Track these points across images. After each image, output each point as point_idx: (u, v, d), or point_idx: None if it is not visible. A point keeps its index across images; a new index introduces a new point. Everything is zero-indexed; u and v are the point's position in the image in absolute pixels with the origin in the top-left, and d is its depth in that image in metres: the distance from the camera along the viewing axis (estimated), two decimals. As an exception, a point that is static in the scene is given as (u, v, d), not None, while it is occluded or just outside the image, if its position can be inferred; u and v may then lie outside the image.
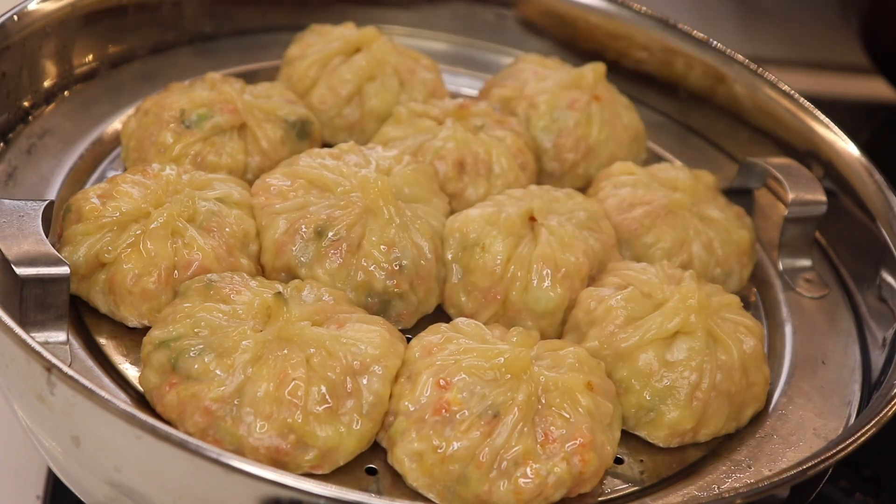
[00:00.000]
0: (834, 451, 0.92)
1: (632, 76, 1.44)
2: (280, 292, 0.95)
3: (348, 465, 0.94)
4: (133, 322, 1.01)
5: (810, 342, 1.15)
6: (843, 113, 1.44)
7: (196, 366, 0.92)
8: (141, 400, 0.96)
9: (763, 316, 1.18)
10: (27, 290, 0.95)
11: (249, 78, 1.27)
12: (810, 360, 1.13)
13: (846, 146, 1.28)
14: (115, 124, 1.23)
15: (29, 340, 0.84)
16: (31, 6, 1.18)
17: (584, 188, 1.24)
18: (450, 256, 1.09)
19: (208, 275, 1.00)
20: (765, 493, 0.88)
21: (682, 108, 1.43)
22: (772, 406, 1.07)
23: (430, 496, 0.92)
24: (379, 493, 0.93)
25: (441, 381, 0.93)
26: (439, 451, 0.91)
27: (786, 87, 1.35)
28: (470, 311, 1.07)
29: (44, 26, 1.19)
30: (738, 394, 1.02)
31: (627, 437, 1.01)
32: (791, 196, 1.22)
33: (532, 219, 1.09)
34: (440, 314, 1.09)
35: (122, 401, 0.84)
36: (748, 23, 2.08)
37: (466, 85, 1.43)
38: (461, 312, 1.08)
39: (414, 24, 1.47)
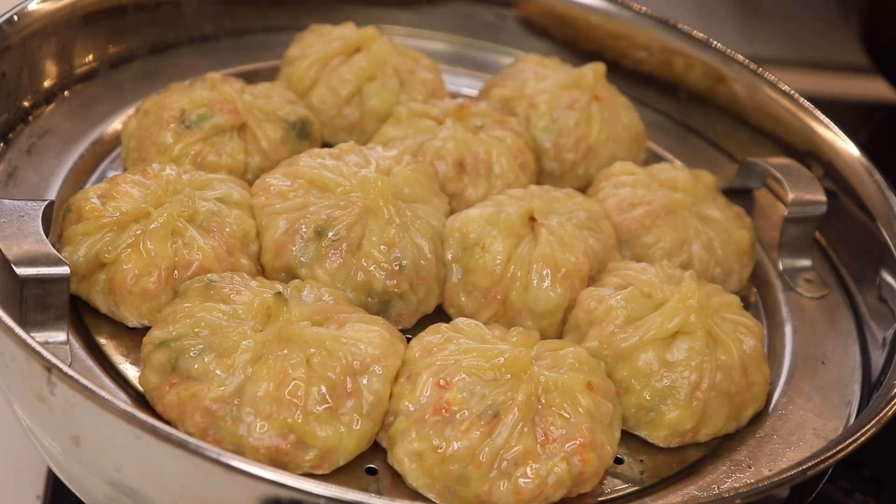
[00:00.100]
0: (834, 451, 0.92)
1: (632, 76, 1.44)
2: (280, 292, 0.95)
3: (348, 465, 0.94)
4: (133, 322, 1.01)
5: (810, 342, 1.15)
6: (843, 113, 1.44)
7: (196, 366, 0.92)
8: (141, 400, 0.96)
9: (763, 316, 1.18)
10: (27, 290, 0.95)
11: (249, 78, 1.27)
12: (810, 360, 1.13)
13: (846, 146, 1.28)
14: (115, 124, 1.23)
15: (29, 340, 0.84)
16: (31, 6, 1.18)
17: (584, 188, 1.24)
18: (450, 256, 1.09)
19: (208, 275, 1.00)
20: (765, 493, 0.88)
21: (682, 108, 1.43)
22: (772, 406, 1.07)
23: (430, 496, 0.92)
24: (379, 493, 0.93)
25: (441, 381, 0.93)
26: (439, 451, 0.91)
27: (786, 87, 1.35)
28: (470, 311, 1.07)
29: (44, 26, 1.19)
30: (738, 394, 1.02)
31: (627, 437, 1.01)
32: (791, 196, 1.22)
33: (532, 219, 1.09)
34: (440, 314, 1.09)
35: (122, 401, 0.84)
36: (748, 23, 2.08)
37: (466, 85, 1.43)
38: (461, 312, 1.08)
39: (414, 24, 1.47)
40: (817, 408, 1.07)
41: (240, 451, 0.90)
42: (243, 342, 0.92)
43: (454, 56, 1.47)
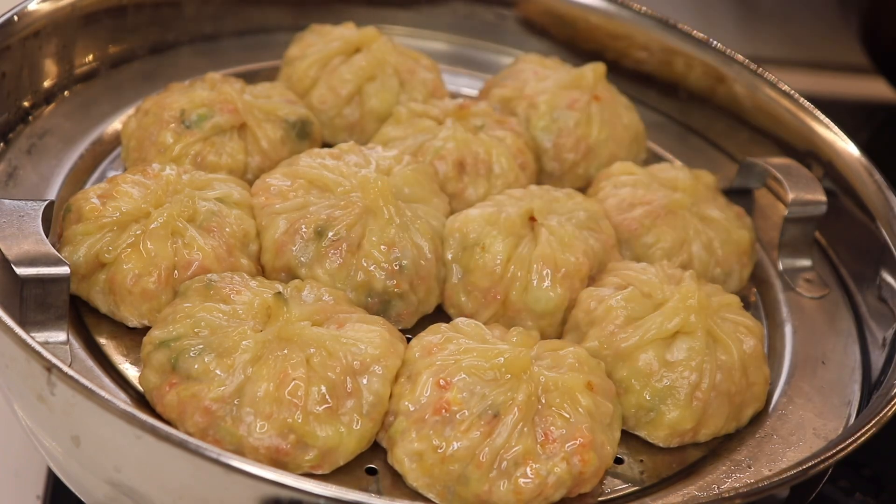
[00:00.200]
0: (834, 451, 0.92)
1: (632, 76, 1.44)
2: (280, 292, 0.95)
3: (348, 465, 0.94)
4: (133, 322, 1.01)
5: (810, 342, 1.15)
6: (843, 113, 1.44)
7: (196, 366, 0.92)
8: (141, 400, 0.96)
9: (763, 316, 1.18)
10: (27, 290, 0.95)
11: (249, 78, 1.27)
12: (810, 360, 1.13)
13: (846, 146, 1.28)
14: (115, 124, 1.23)
15: (29, 340, 0.84)
16: (31, 6, 1.18)
17: (584, 188, 1.24)
18: (450, 256, 1.09)
19: (208, 275, 1.00)
20: (765, 493, 0.88)
21: (682, 108, 1.43)
22: (772, 406, 1.07)
23: (430, 496, 0.92)
24: (379, 493, 0.93)
25: (441, 381, 0.93)
26: (439, 451, 0.91)
27: (786, 87, 1.35)
28: (470, 311, 1.07)
29: (44, 26, 1.19)
30: (738, 394, 1.02)
31: (627, 437, 1.01)
32: (791, 196, 1.22)
33: (532, 219, 1.09)
34: (440, 314, 1.09)
35: (122, 401, 0.84)
36: (748, 23, 2.08)
37: (466, 85, 1.43)
38: (461, 312, 1.08)
39: (414, 24, 1.47)
40: (817, 408, 1.07)
41: (240, 451, 0.90)
42: (243, 342, 0.92)
43: (454, 56, 1.47)
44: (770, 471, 0.99)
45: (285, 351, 0.92)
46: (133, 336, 1.01)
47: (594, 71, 1.28)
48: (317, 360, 0.92)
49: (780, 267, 1.23)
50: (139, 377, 0.96)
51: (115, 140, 1.21)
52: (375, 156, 1.13)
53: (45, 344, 0.94)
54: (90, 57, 1.27)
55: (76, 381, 0.82)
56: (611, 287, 1.06)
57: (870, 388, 1.10)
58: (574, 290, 1.07)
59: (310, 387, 0.91)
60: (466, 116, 1.22)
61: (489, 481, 0.90)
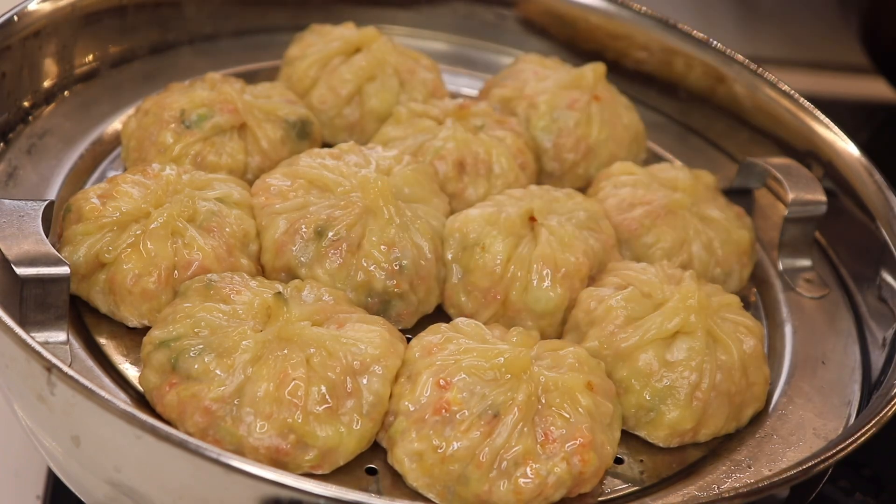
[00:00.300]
0: (834, 451, 0.92)
1: (632, 76, 1.44)
2: (280, 292, 0.95)
3: (348, 465, 0.94)
4: (133, 322, 1.01)
5: (810, 342, 1.15)
6: (843, 113, 1.44)
7: (196, 366, 0.92)
8: (141, 400, 0.96)
9: (763, 316, 1.18)
10: (27, 290, 0.95)
11: (249, 78, 1.27)
12: (810, 360, 1.13)
13: (846, 146, 1.28)
14: (115, 124, 1.23)
15: (29, 340, 0.84)
16: (31, 6, 1.18)
17: (584, 188, 1.24)
18: (450, 256, 1.09)
19: (208, 275, 1.00)
20: (765, 493, 0.88)
21: (682, 108, 1.43)
22: (772, 406, 1.07)
23: (430, 496, 0.92)
24: (379, 493, 0.93)
25: (441, 381, 0.93)
26: (439, 451, 0.91)
27: (786, 87, 1.35)
28: (470, 311, 1.07)
29: (44, 26, 1.19)
30: (738, 394, 1.02)
31: (627, 437, 1.01)
32: (791, 196, 1.22)
33: (532, 219, 1.09)
34: (440, 314, 1.09)
35: (122, 401, 0.84)
36: (748, 23, 2.08)
37: (466, 85, 1.43)
38: (461, 312, 1.08)
39: (414, 24, 1.47)
40: (817, 408, 1.07)
41: (240, 451, 0.90)
42: (243, 342, 0.92)
43: (454, 56, 1.47)
44: (770, 471, 0.99)
45: (285, 351, 0.92)
46: (133, 336, 1.01)
47: (594, 71, 1.28)
48: (317, 360, 0.92)
49: (780, 267, 1.23)
50: (139, 377, 0.96)
51: (115, 140, 1.21)
52: (375, 156, 1.13)
53: (45, 344, 0.94)
54: (90, 57, 1.27)
55: (76, 381, 0.82)
56: (611, 287, 1.06)
57: (870, 388, 1.10)
58: (574, 290, 1.07)
59: (310, 387, 0.91)
60: (466, 116, 1.22)
61: (489, 481, 0.90)
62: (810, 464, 0.91)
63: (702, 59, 1.40)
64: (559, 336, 1.07)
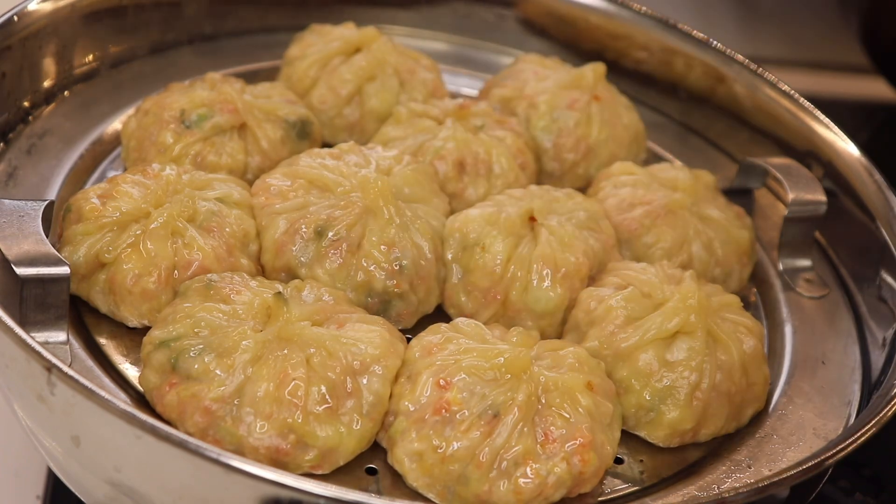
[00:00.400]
0: (834, 451, 0.92)
1: (632, 76, 1.44)
2: (280, 292, 0.95)
3: (348, 465, 0.94)
4: (133, 322, 1.01)
5: (810, 342, 1.15)
6: (843, 113, 1.44)
7: (196, 366, 0.92)
8: (141, 400, 0.96)
9: (763, 316, 1.18)
10: (27, 290, 0.95)
11: (249, 78, 1.27)
12: (810, 360, 1.13)
13: (846, 146, 1.28)
14: (115, 124, 1.23)
15: (29, 340, 0.84)
16: (31, 6, 1.18)
17: (584, 188, 1.24)
18: (450, 256, 1.09)
19: (208, 275, 1.00)
20: (765, 493, 0.88)
21: (682, 108, 1.43)
22: (772, 406, 1.07)
23: (430, 496, 0.92)
24: (379, 493, 0.93)
25: (441, 381, 0.93)
26: (439, 451, 0.91)
27: (786, 87, 1.35)
28: (470, 311, 1.07)
29: (44, 26, 1.19)
30: (738, 394, 1.02)
31: (627, 437, 1.01)
32: (791, 196, 1.22)
33: (532, 219, 1.09)
34: (440, 314, 1.09)
35: (122, 401, 0.84)
36: (748, 23, 2.08)
37: (466, 85, 1.43)
38: (461, 312, 1.08)
39: (414, 24, 1.47)
40: (817, 408, 1.07)
41: (240, 451, 0.90)
42: (243, 342, 0.92)
43: (454, 56, 1.47)
44: (770, 471, 0.99)
45: (285, 351, 0.92)
46: (133, 336, 1.01)
47: (594, 71, 1.28)
48: (317, 360, 0.92)
49: (780, 267, 1.23)
50: (139, 377, 0.96)
51: (115, 140, 1.21)
52: (375, 156, 1.13)
53: (45, 344, 0.94)
54: (90, 57, 1.27)
55: (76, 381, 0.82)
56: (611, 287, 1.06)
57: (870, 388, 1.10)
58: (574, 290, 1.07)
59: (310, 387, 0.91)
60: (466, 116, 1.22)
61: (489, 481, 0.90)
62: (810, 464, 0.91)
63: (702, 59, 1.40)
64: (559, 336, 1.07)
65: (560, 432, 0.92)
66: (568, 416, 0.93)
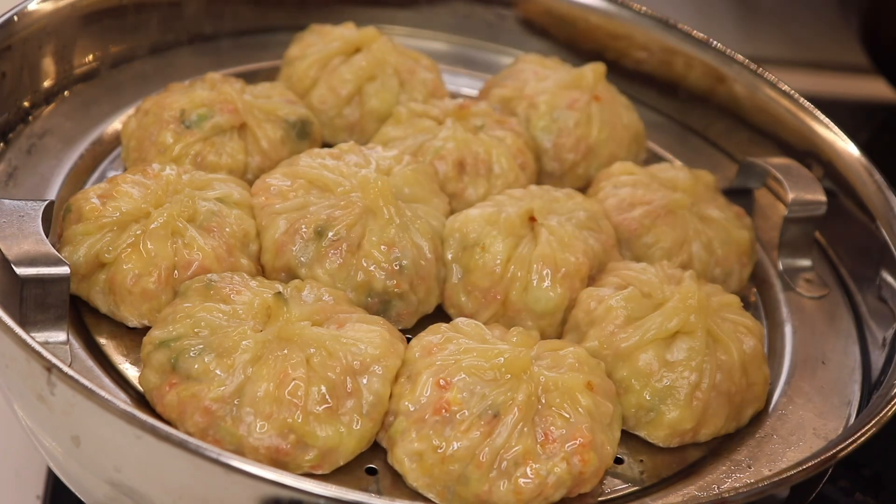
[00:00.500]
0: (834, 451, 0.92)
1: (632, 76, 1.44)
2: (280, 292, 0.95)
3: (348, 465, 0.94)
4: (133, 322, 1.01)
5: (810, 342, 1.15)
6: (843, 113, 1.44)
7: (196, 366, 0.92)
8: (141, 400, 0.96)
9: (763, 316, 1.18)
10: (27, 290, 0.95)
11: (249, 78, 1.27)
12: (810, 360, 1.13)
13: (846, 146, 1.28)
14: (115, 124, 1.23)
15: (29, 340, 0.84)
16: (31, 6, 1.18)
17: (584, 188, 1.24)
18: (450, 256, 1.09)
19: (208, 275, 1.00)
20: (765, 493, 0.88)
21: (682, 108, 1.43)
22: (772, 406, 1.07)
23: (430, 496, 0.92)
24: (379, 493, 0.93)
25: (441, 381, 0.93)
26: (439, 451, 0.91)
27: (786, 87, 1.35)
28: (470, 311, 1.07)
29: (44, 26, 1.19)
30: (738, 394, 1.02)
31: (627, 437, 1.01)
32: (791, 196, 1.22)
33: (532, 219, 1.09)
34: (440, 314, 1.09)
35: (122, 401, 0.84)
36: (748, 23, 2.08)
37: (466, 85, 1.43)
38: (461, 312, 1.08)
39: (414, 24, 1.47)
40: (817, 408, 1.07)
41: (240, 451, 0.90)
42: (243, 342, 0.92)
43: (454, 56, 1.47)
44: (770, 471, 0.99)
45: (285, 351, 0.92)
46: (133, 336, 1.01)
47: (594, 71, 1.28)
48: (317, 360, 0.92)
49: (780, 267, 1.23)
50: (139, 377, 0.96)
51: (115, 140, 1.21)
52: (375, 156, 1.13)
53: (45, 344, 0.94)
54: (90, 57, 1.27)
55: (76, 381, 0.82)
56: (611, 287, 1.06)
57: (870, 388, 1.10)
58: (574, 290, 1.07)
59: (310, 387, 0.91)
60: (466, 116, 1.22)
61: (489, 481, 0.90)
62: (810, 464, 0.91)
63: (702, 59, 1.40)
64: (559, 336, 1.07)
65: (560, 432, 0.92)
66: (568, 416, 0.93)
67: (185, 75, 1.28)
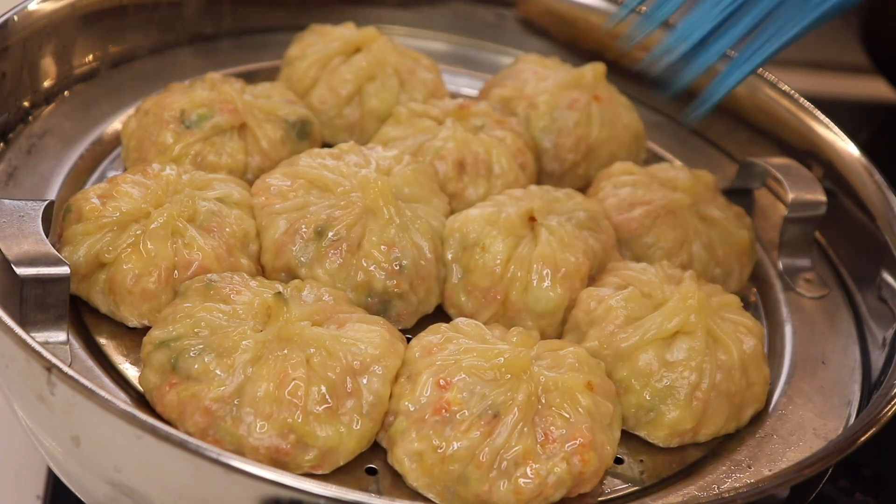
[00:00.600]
0: (834, 451, 0.92)
1: (632, 76, 1.43)
2: (280, 292, 0.95)
3: (348, 465, 0.94)
4: (133, 322, 1.01)
5: (810, 342, 1.15)
6: (843, 113, 1.44)
7: (196, 366, 0.92)
8: (141, 400, 0.96)
9: (763, 316, 1.18)
10: (27, 290, 0.95)
11: (249, 78, 1.27)
12: (810, 360, 1.13)
13: (846, 146, 1.28)
14: (115, 124, 1.23)
15: (29, 340, 0.84)
16: (31, 6, 1.18)
17: (584, 188, 1.24)
18: (450, 256, 1.09)
19: (208, 275, 1.00)
20: (765, 493, 0.88)
21: (682, 108, 1.43)
22: (772, 406, 1.07)
23: (430, 496, 0.92)
24: (379, 493, 0.93)
25: (441, 381, 0.93)
26: (439, 451, 0.91)
27: (786, 87, 1.35)
28: (470, 311, 1.07)
29: (44, 26, 1.19)
30: (738, 394, 1.02)
31: (627, 437, 1.01)
32: (791, 196, 1.22)
33: (532, 219, 1.09)
34: (440, 314, 1.09)
35: (122, 401, 0.84)
36: (748, 23, 2.08)
37: (466, 85, 1.43)
38: (461, 312, 1.08)
39: (414, 24, 1.47)
40: (817, 408, 1.07)
41: (240, 451, 0.90)
42: (243, 342, 0.92)
43: (454, 56, 1.47)
44: (770, 471, 0.99)
45: (285, 351, 0.92)
46: (133, 336, 1.01)
47: (594, 71, 1.28)
48: (317, 360, 0.92)
49: (780, 267, 1.23)
50: (139, 377, 0.96)
51: (115, 140, 1.21)
52: (375, 156, 1.13)
53: (45, 344, 0.94)
54: (90, 57, 1.27)
55: (76, 381, 0.82)
56: (611, 287, 1.06)
57: (870, 388, 1.10)
58: (574, 290, 1.07)
59: (310, 387, 0.91)
60: (466, 116, 1.22)
61: (489, 481, 0.90)
62: (810, 464, 0.91)
63: (702, 59, 1.40)
64: (559, 336, 1.07)
65: (560, 432, 0.92)
66: (568, 416, 0.93)
67: (185, 75, 1.28)
